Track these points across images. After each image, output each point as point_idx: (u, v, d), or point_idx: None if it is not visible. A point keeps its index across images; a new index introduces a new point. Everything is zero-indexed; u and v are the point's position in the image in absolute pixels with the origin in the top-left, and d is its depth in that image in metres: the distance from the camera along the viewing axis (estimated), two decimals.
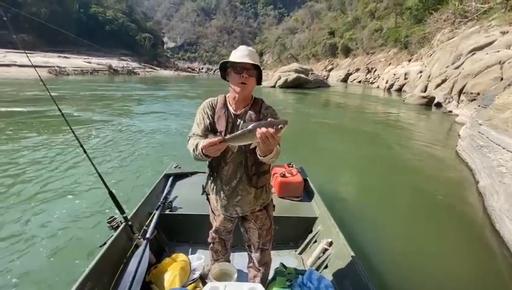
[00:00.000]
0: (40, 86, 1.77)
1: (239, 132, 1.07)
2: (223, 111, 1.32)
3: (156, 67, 54.13)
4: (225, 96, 1.38)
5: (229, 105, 1.35)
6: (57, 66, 28.77)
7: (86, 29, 48.00)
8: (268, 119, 1.18)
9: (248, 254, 1.64)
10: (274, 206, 1.59)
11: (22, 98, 11.44)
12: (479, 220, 3.33)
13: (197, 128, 1.31)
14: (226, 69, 1.30)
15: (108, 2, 62.75)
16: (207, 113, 1.33)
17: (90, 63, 36.55)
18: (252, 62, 1.20)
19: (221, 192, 1.38)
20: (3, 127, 6.59)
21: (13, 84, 16.30)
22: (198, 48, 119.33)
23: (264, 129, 0.97)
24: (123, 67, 40.70)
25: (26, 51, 2.53)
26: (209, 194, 1.50)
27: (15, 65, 23.28)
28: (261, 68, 1.29)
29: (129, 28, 60.49)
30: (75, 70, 30.70)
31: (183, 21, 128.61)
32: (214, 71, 78.12)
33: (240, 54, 1.23)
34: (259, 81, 1.31)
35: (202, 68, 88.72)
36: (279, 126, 0.99)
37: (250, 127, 1.02)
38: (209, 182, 1.43)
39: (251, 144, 1.08)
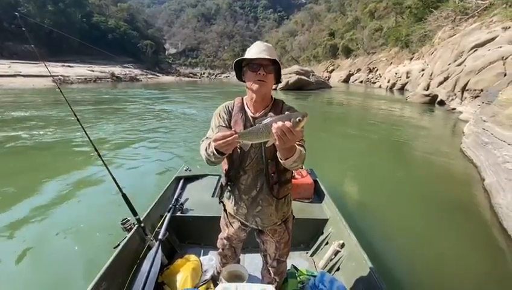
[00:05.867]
0: (45, 93, 1.80)
1: (253, 127, 0.96)
2: (240, 115, 1.22)
3: (157, 74, 54.53)
4: (242, 99, 1.28)
5: (246, 108, 1.24)
6: (61, 75, 29.19)
7: (89, 38, 48.77)
8: (286, 113, 1.03)
9: (263, 262, 1.59)
10: (294, 217, 1.49)
11: (29, 105, 11.62)
12: (486, 218, 3.32)
13: (211, 133, 1.22)
14: (242, 68, 1.21)
15: (110, 11, 63.77)
16: (223, 117, 1.24)
17: (93, 71, 36.99)
18: (269, 57, 1.10)
19: (241, 201, 1.30)
20: (21, 132, 6.69)
21: (19, 94, 16.59)
22: (200, 54, 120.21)
23: (280, 123, 0.85)
24: (125, 74, 41.13)
25: (37, 62, 2.61)
26: (224, 201, 1.42)
27: (20, 75, 23.63)
28: (280, 63, 1.17)
29: (131, 36, 61.30)
30: (78, 78, 31.07)
31: (184, 27, 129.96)
32: (216, 76, 78.82)
33: (255, 50, 1.13)
34: (278, 78, 1.20)
35: (204, 73, 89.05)
36: (298, 119, 0.87)
37: (265, 122, 0.92)
38: (226, 190, 1.35)
39: (267, 142, 0.95)
